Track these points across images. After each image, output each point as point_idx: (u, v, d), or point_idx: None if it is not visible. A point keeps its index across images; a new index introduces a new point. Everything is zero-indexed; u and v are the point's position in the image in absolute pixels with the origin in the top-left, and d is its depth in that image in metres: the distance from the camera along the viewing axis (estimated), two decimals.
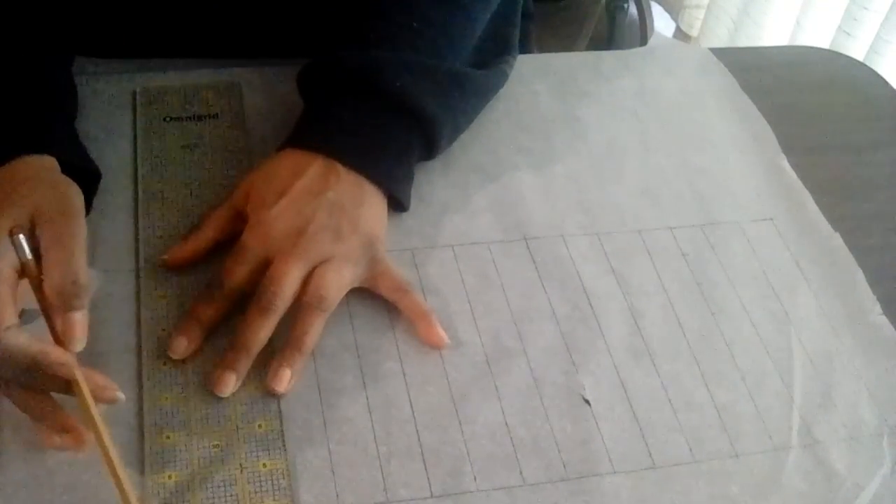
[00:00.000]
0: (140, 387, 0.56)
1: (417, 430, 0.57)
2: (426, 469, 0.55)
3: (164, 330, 0.59)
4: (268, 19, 0.76)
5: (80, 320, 0.51)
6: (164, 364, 0.57)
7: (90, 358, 0.53)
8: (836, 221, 0.72)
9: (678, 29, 2.01)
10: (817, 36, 1.63)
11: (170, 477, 0.53)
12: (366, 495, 0.53)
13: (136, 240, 0.64)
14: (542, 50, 0.96)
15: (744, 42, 1.74)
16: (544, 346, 0.62)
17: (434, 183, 0.70)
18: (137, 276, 0.62)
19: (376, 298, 0.62)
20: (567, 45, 1.08)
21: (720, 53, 0.86)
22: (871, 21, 1.52)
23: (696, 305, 0.65)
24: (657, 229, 0.70)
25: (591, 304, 0.64)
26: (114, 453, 0.49)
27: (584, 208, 0.70)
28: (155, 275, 0.62)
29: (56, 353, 0.50)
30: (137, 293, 0.61)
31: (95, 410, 0.50)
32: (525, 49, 0.89)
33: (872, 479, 0.58)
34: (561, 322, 0.63)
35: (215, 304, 0.59)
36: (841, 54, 0.96)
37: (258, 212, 0.61)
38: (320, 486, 0.53)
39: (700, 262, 0.68)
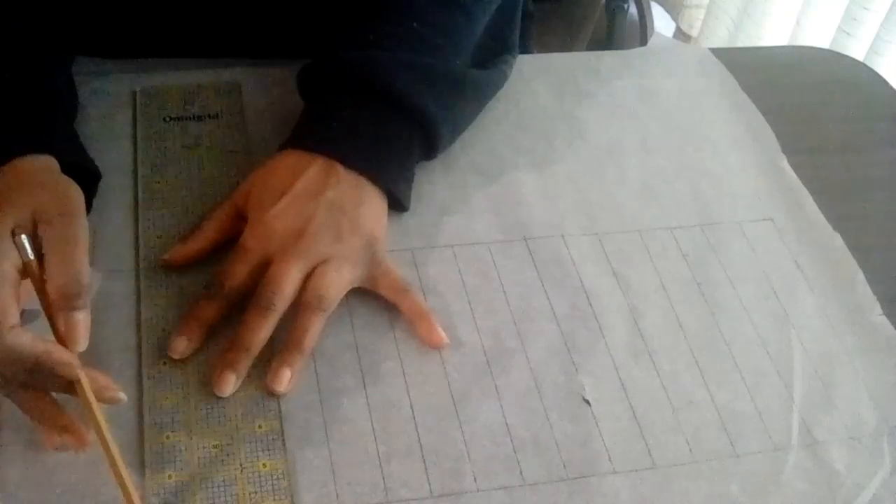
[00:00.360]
0: (140, 387, 0.56)
1: (417, 430, 0.57)
2: (426, 469, 0.55)
3: (164, 330, 0.59)
4: (268, 19, 0.76)
5: (82, 320, 0.51)
6: (164, 364, 0.57)
7: (90, 358, 0.53)
8: (836, 221, 0.72)
9: (678, 29, 2.01)
10: (817, 36, 1.63)
11: (170, 477, 0.53)
12: (366, 495, 0.53)
13: (136, 240, 0.64)
14: (542, 50, 0.96)
15: (744, 42, 1.74)
16: (544, 346, 0.62)
17: (434, 183, 0.70)
18: (137, 276, 0.62)
19: (376, 298, 0.62)
20: (567, 45, 1.08)
21: (720, 53, 0.86)
22: (871, 21, 1.52)
23: (696, 305, 0.65)
24: (657, 229, 0.70)
25: (591, 304, 0.64)
26: (116, 453, 0.49)
27: (584, 208, 0.70)
28: (155, 275, 0.62)
29: (59, 353, 0.50)
30: (137, 293, 0.61)
31: (98, 410, 0.50)
32: (525, 49, 0.89)
33: (872, 479, 0.58)
34: (561, 322, 0.63)
35: (215, 304, 0.59)
36: (841, 54, 0.96)
37: (258, 212, 0.61)
38: (320, 486, 0.53)
39: (700, 262, 0.68)
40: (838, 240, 0.71)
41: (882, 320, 0.66)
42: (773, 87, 0.84)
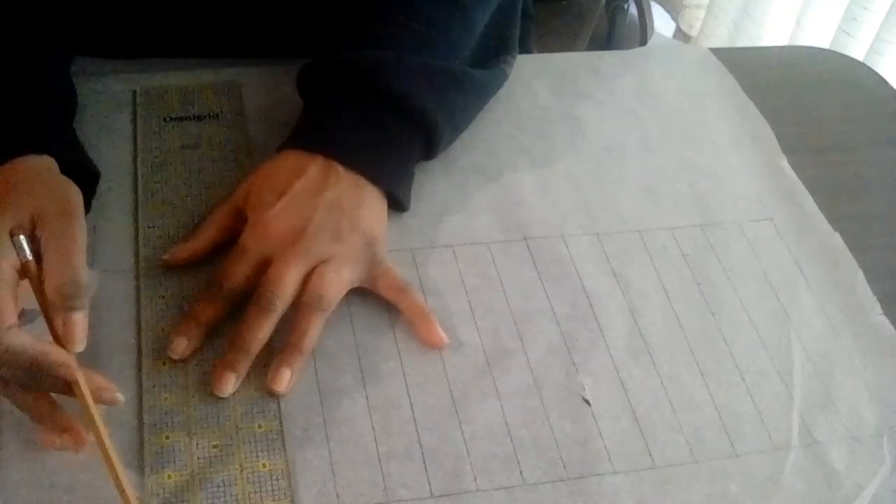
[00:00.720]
0: (140, 387, 0.56)
1: (417, 430, 0.57)
2: (426, 469, 0.55)
3: (164, 330, 0.59)
4: (268, 19, 0.76)
5: (80, 321, 0.51)
6: (164, 364, 0.57)
7: (90, 358, 0.53)
8: (836, 221, 0.72)
9: (678, 29, 2.01)
10: (817, 36, 1.63)
11: (170, 477, 0.53)
12: (366, 495, 0.53)
13: (136, 240, 0.64)
14: (542, 50, 0.96)
15: (744, 42, 1.74)
16: (544, 346, 0.62)
17: (434, 183, 0.70)
18: (137, 276, 0.62)
19: (376, 298, 0.62)
20: (567, 45, 1.08)
21: (720, 53, 0.86)
22: (871, 21, 1.52)
23: (696, 305, 0.65)
24: (657, 229, 0.70)
25: (591, 304, 0.64)
26: (114, 454, 0.49)
27: (584, 208, 0.70)
28: (155, 275, 0.62)
29: (56, 354, 0.50)
30: (137, 293, 0.61)
31: (96, 411, 0.50)
32: (525, 49, 0.89)
33: (872, 479, 0.58)
34: (561, 322, 0.63)
35: (215, 305, 0.59)
36: (841, 54, 0.96)
37: (258, 212, 0.61)
38: (320, 486, 0.53)
39: (700, 262, 0.68)
40: (838, 240, 0.71)
41: (882, 320, 0.66)
42: (773, 87, 0.84)
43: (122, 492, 0.49)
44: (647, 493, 0.55)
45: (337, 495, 0.53)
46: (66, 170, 0.59)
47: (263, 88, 0.74)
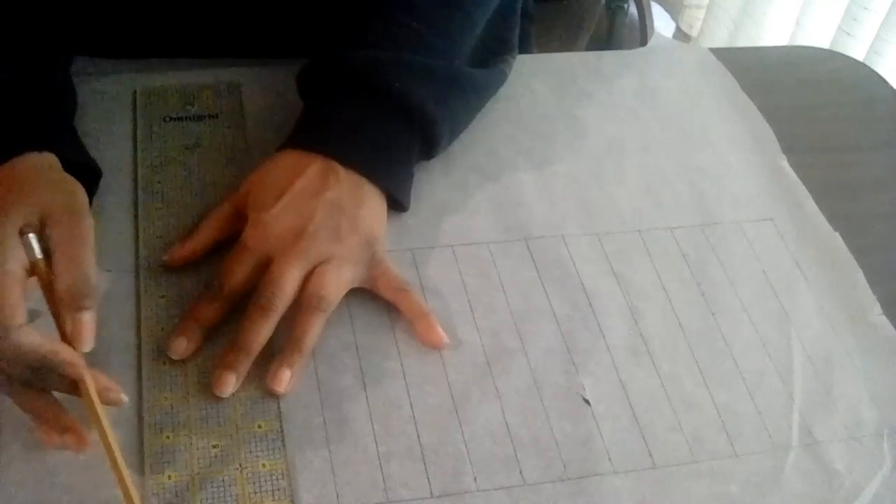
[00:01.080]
0: (140, 387, 0.56)
1: (417, 430, 0.57)
2: (426, 469, 0.55)
3: (163, 330, 0.59)
4: (268, 19, 0.76)
5: (89, 321, 0.51)
6: (164, 364, 0.57)
7: (90, 357, 0.53)
8: (836, 221, 0.72)
9: (678, 29, 2.01)
10: (817, 36, 1.63)
11: (170, 477, 0.53)
12: (366, 495, 0.53)
13: (136, 240, 0.64)
14: (542, 50, 0.96)
15: (744, 42, 1.74)
16: (544, 346, 0.62)
17: (434, 183, 0.70)
18: (137, 276, 0.62)
19: (376, 298, 0.62)
20: (567, 45, 1.08)
21: (720, 53, 0.86)
22: (871, 21, 1.52)
23: (696, 305, 0.65)
24: (657, 229, 0.70)
25: (591, 304, 0.64)
26: (118, 454, 0.49)
27: (584, 208, 0.70)
28: (155, 275, 0.62)
29: (66, 353, 0.50)
30: (137, 293, 0.61)
31: (102, 411, 0.50)
32: (525, 49, 0.89)
33: (872, 479, 0.58)
34: (561, 322, 0.63)
35: (215, 305, 0.59)
36: (841, 54, 0.96)
37: (258, 212, 0.61)
38: (320, 486, 0.53)
39: (700, 262, 0.68)
40: (838, 240, 0.71)
41: (882, 320, 0.66)
42: (773, 87, 0.84)
43: (125, 491, 0.49)
44: (647, 493, 0.55)
45: (337, 495, 0.53)
46: (67, 167, 0.59)
47: (263, 88, 0.74)
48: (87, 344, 0.51)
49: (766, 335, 0.64)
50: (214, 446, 0.54)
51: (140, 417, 0.55)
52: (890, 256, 0.71)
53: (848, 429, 0.60)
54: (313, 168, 0.63)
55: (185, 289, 0.61)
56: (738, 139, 0.78)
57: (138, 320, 0.59)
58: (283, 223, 0.60)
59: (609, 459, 0.57)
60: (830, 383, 0.62)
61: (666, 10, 2.02)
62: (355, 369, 0.59)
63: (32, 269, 0.52)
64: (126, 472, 0.49)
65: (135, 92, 0.73)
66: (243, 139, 0.71)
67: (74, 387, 0.50)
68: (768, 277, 0.68)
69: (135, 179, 0.67)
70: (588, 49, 1.09)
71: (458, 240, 0.67)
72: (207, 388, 0.56)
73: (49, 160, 0.58)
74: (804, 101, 0.83)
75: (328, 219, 0.61)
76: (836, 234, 0.71)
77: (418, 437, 0.56)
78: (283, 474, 0.54)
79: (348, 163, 0.63)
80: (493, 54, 0.75)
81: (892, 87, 0.87)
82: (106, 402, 0.51)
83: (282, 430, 0.55)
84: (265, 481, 0.53)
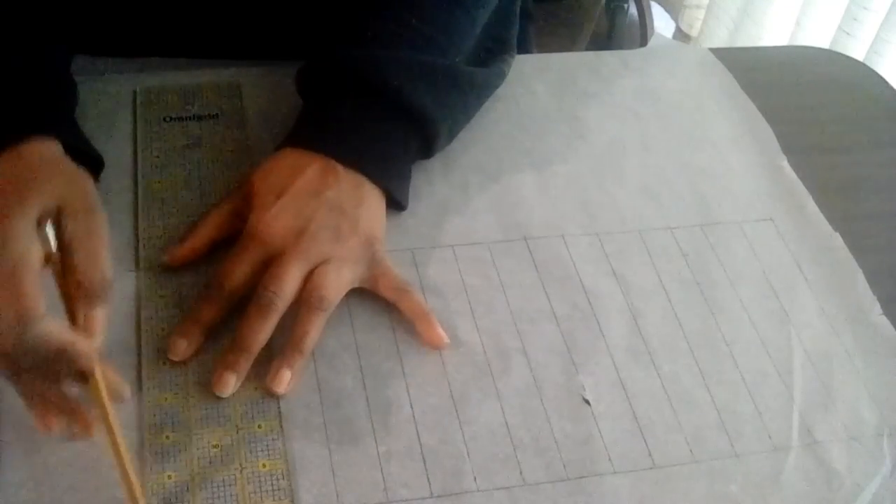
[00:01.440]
0: (140, 387, 0.56)
1: (417, 430, 0.57)
2: (426, 469, 0.55)
3: (164, 330, 0.59)
4: (268, 19, 0.76)
5: (101, 316, 0.51)
6: (164, 364, 0.57)
7: None
8: (836, 221, 0.72)
9: (678, 29, 2.01)
10: (817, 36, 1.63)
11: (170, 477, 0.53)
12: (366, 495, 0.53)
13: (136, 240, 0.64)
14: (542, 50, 0.96)
15: (744, 42, 1.74)
16: (544, 346, 0.62)
17: (434, 183, 0.70)
18: (137, 276, 0.62)
19: (376, 298, 0.62)
20: (567, 45, 1.09)
21: (720, 53, 0.86)
22: (871, 21, 1.52)
23: (696, 305, 0.65)
24: (657, 229, 0.70)
25: (591, 304, 0.64)
26: (123, 447, 0.49)
27: (584, 208, 0.70)
28: (155, 275, 0.62)
29: (83, 345, 0.50)
30: (137, 293, 0.61)
31: (109, 404, 0.50)
32: (525, 49, 0.89)
33: (872, 479, 0.58)
34: (561, 322, 0.63)
35: (215, 305, 0.59)
36: (841, 54, 0.96)
37: (257, 212, 0.61)
38: (320, 486, 0.53)
39: (700, 262, 0.68)
40: (838, 240, 0.71)
41: (882, 320, 0.66)
42: (773, 87, 0.84)
43: (128, 485, 0.49)
44: (647, 493, 0.55)
45: (337, 495, 0.53)
46: (70, 155, 0.58)
47: (263, 88, 0.74)
48: (98, 339, 0.51)
49: (766, 335, 0.64)
50: (214, 446, 0.54)
51: (140, 417, 0.55)
52: (890, 256, 0.71)
53: (848, 429, 0.60)
54: (313, 168, 0.63)
55: (185, 289, 0.61)
56: (738, 139, 0.78)
57: (138, 320, 0.59)
58: (283, 223, 0.60)
59: (609, 459, 0.57)
60: (830, 383, 0.62)
61: (666, 10, 2.02)
62: (355, 369, 0.59)
63: (46, 260, 0.52)
64: (130, 466, 0.49)
65: (135, 91, 0.73)
66: (243, 139, 0.71)
67: (81, 376, 0.50)
68: (768, 277, 0.68)
69: (135, 179, 0.67)
70: (588, 49, 1.09)
71: (458, 240, 0.67)
72: (207, 388, 0.56)
73: (52, 147, 0.58)
74: (804, 101, 0.83)
75: (329, 219, 0.61)
76: (836, 234, 0.71)
77: (418, 437, 0.56)
78: (283, 474, 0.54)
79: (347, 162, 0.63)
80: (491, 54, 0.75)
81: (892, 87, 0.87)
82: (109, 396, 0.51)
83: (282, 431, 0.55)
84: (265, 481, 0.53)
